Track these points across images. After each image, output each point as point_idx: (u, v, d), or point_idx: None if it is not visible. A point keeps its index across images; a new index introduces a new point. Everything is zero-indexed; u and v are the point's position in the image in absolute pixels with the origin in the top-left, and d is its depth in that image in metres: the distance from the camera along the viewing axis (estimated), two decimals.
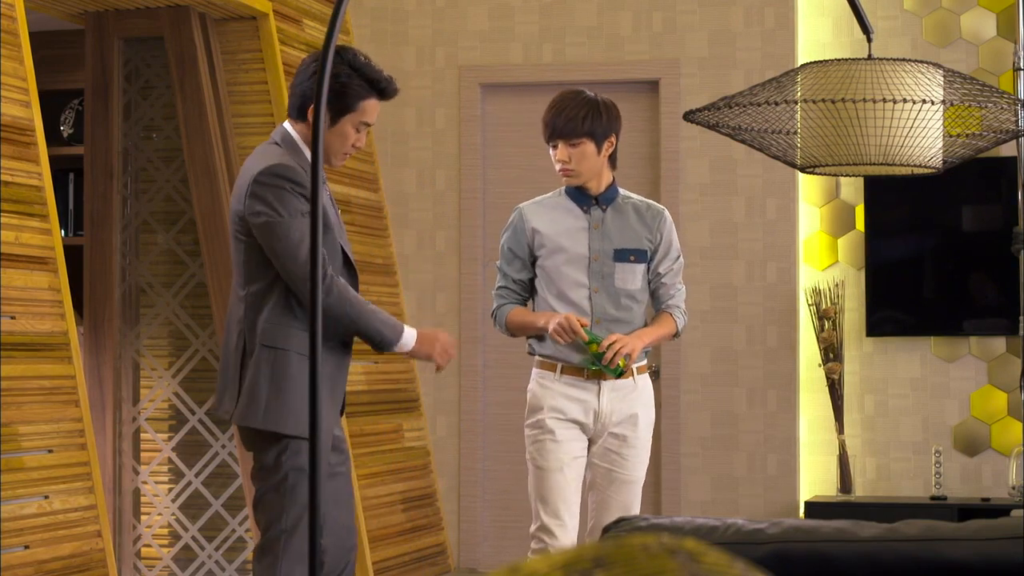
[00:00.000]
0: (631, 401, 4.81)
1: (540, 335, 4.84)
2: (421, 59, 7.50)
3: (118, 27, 6.54)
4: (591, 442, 4.83)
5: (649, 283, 4.90)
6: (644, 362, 4.89)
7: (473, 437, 7.36)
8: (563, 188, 4.92)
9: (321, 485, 4.36)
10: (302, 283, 4.28)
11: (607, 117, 4.83)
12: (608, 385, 4.79)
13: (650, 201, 4.96)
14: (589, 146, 4.80)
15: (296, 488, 4.26)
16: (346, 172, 6.77)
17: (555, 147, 4.83)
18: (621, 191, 4.92)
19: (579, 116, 4.79)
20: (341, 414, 4.54)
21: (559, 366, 4.81)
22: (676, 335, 4.94)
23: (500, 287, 4.93)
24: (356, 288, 4.47)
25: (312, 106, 4.35)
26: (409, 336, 4.38)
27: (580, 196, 4.87)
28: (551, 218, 4.87)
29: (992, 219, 7.03)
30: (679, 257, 4.95)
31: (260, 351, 4.32)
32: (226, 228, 6.32)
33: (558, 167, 4.84)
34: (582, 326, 4.70)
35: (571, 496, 4.78)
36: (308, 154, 4.37)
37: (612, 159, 4.88)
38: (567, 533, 4.76)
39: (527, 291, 4.92)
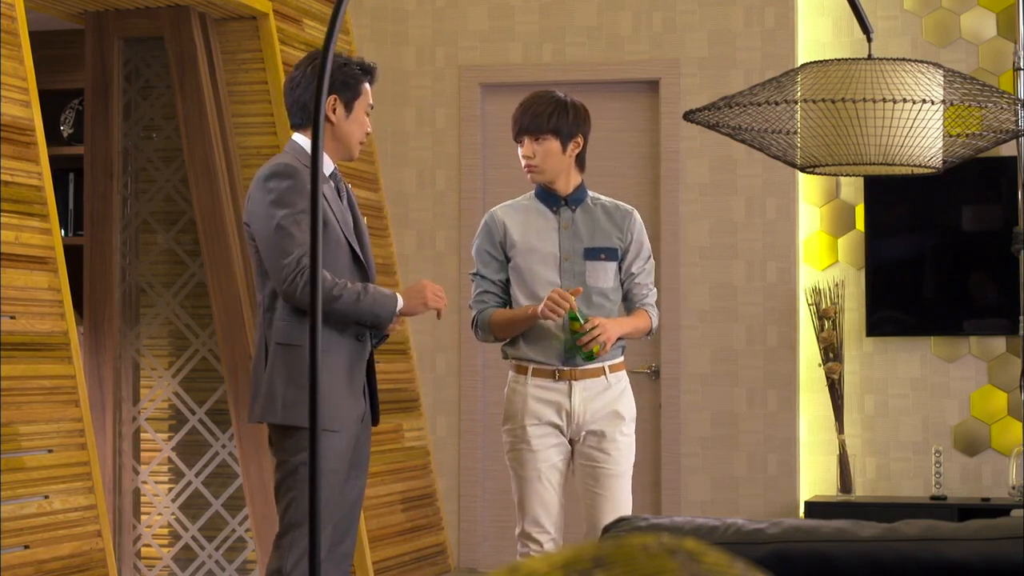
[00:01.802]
0: (605, 399, 4.82)
1: (513, 338, 4.85)
2: (421, 59, 7.50)
3: (118, 27, 6.54)
4: (572, 442, 4.84)
5: (622, 283, 4.91)
6: (620, 359, 4.89)
7: (473, 437, 7.36)
8: (533, 192, 4.94)
9: (345, 475, 4.48)
10: (273, 275, 4.42)
11: (574, 116, 4.85)
12: (579, 385, 4.80)
13: (618, 202, 4.97)
14: (554, 143, 4.82)
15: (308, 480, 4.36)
16: (346, 172, 6.77)
17: (521, 143, 4.85)
18: (590, 192, 4.93)
19: (545, 113, 4.81)
20: (375, 421, 4.63)
21: (530, 368, 4.81)
22: (650, 333, 4.95)
23: (479, 293, 4.89)
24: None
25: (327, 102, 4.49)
26: (398, 305, 4.54)
27: (549, 197, 4.89)
28: (522, 220, 4.88)
29: (992, 219, 7.02)
30: (650, 257, 4.96)
31: (275, 349, 4.43)
32: (226, 228, 6.32)
33: (523, 163, 4.86)
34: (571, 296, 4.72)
35: (550, 501, 4.80)
36: (324, 156, 4.49)
37: (580, 161, 4.90)
38: (549, 538, 4.80)
39: (507, 293, 4.89)
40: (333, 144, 4.56)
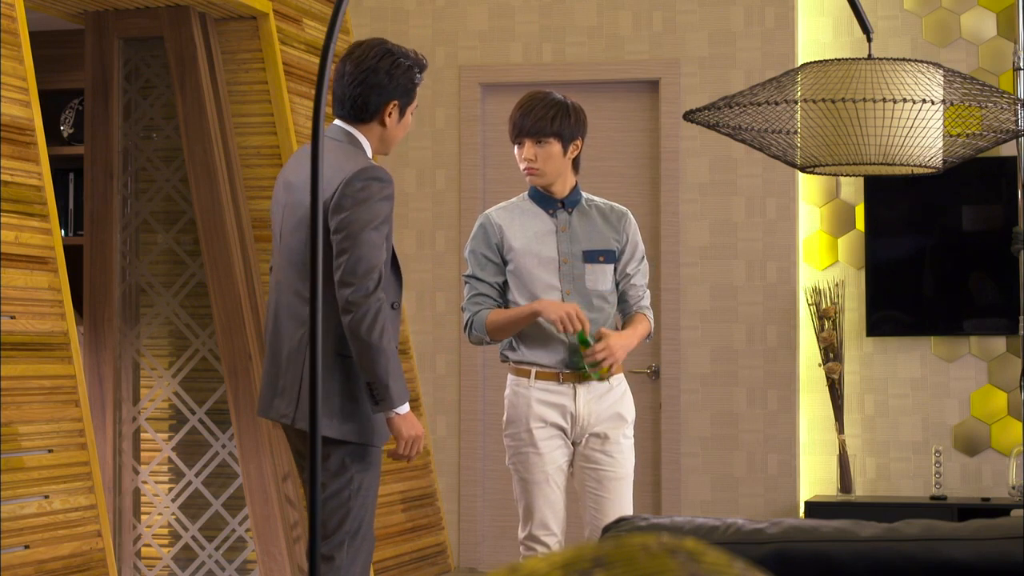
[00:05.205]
0: (608, 402, 4.82)
1: (512, 341, 4.83)
2: None
3: (118, 27, 6.54)
4: (574, 444, 4.84)
5: (617, 284, 4.90)
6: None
7: (473, 437, 7.36)
8: (526, 193, 4.92)
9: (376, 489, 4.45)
10: (347, 287, 4.26)
11: (575, 119, 4.84)
12: (583, 388, 4.80)
13: (613, 203, 4.97)
14: (556, 146, 4.81)
15: (361, 490, 4.33)
16: None
17: (521, 145, 4.83)
18: (584, 194, 4.93)
19: (548, 116, 4.80)
20: None
21: (533, 371, 4.81)
22: (648, 336, 4.95)
23: (474, 295, 4.85)
24: (400, 289, 4.46)
25: (387, 106, 4.42)
26: (404, 408, 4.33)
27: (545, 199, 4.87)
28: (518, 222, 4.86)
29: (992, 219, 7.02)
30: (644, 258, 4.95)
31: (334, 359, 4.29)
32: (226, 228, 6.31)
33: (523, 166, 4.84)
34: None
35: (557, 504, 4.80)
36: (370, 154, 4.45)
37: (576, 163, 4.89)
38: (556, 540, 4.80)
39: (503, 297, 4.86)
40: (377, 144, 4.48)
